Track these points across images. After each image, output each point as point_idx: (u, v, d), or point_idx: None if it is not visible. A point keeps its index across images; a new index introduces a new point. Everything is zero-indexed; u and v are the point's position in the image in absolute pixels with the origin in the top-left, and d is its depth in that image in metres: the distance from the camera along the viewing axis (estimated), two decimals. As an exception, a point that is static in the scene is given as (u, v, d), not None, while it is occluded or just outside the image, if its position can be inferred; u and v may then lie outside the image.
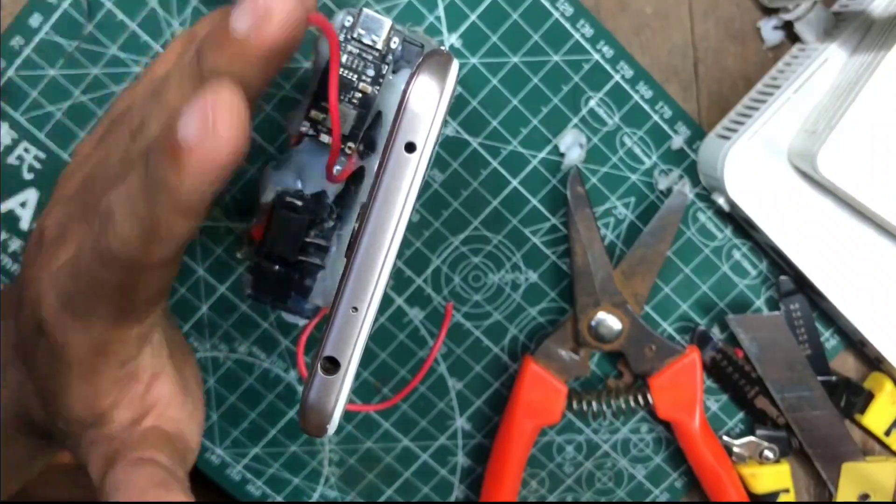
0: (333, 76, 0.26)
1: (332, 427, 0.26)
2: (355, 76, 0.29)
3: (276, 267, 0.30)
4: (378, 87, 0.29)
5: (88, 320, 0.26)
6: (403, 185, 0.24)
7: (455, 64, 0.24)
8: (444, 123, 0.32)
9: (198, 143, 0.21)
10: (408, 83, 0.24)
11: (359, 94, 0.29)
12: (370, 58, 0.29)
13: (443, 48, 0.25)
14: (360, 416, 0.43)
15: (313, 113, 0.30)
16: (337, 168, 0.29)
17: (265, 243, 0.29)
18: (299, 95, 0.39)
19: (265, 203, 0.30)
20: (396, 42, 0.29)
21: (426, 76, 0.24)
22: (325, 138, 0.30)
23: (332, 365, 0.25)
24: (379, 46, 0.29)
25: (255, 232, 0.30)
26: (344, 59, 0.29)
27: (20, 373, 0.30)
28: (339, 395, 0.26)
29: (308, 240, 0.29)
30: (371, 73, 0.29)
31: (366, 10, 0.29)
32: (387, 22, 0.29)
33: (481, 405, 0.43)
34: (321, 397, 0.25)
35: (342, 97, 0.29)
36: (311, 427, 0.26)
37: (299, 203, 0.29)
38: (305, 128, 0.30)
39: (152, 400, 0.30)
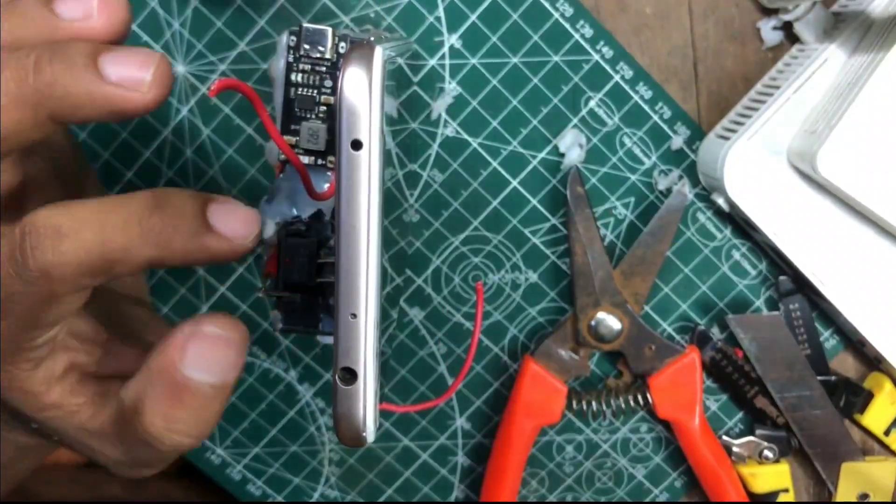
0: (267, 122, 0.27)
1: (368, 434, 0.26)
2: (315, 91, 0.29)
3: (299, 297, 0.30)
4: None
5: None
6: (361, 184, 0.24)
7: (379, 51, 0.24)
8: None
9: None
10: (339, 83, 0.24)
11: (323, 108, 0.29)
12: (324, 69, 0.29)
13: (368, 40, 0.25)
14: (360, 416, 0.43)
15: (286, 138, 0.30)
16: (325, 185, 0.29)
17: (281, 276, 0.29)
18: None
19: (269, 239, 0.30)
20: (345, 46, 0.29)
21: (351, 70, 0.24)
22: (305, 160, 0.30)
23: (350, 375, 0.26)
24: (328, 56, 0.29)
25: (269, 267, 0.30)
26: (299, 77, 0.29)
27: None
28: (366, 402, 0.26)
29: (320, 261, 0.29)
30: (329, 83, 0.29)
31: (305, 25, 0.29)
32: (328, 31, 0.29)
33: (481, 405, 0.43)
34: (348, 408, 0.26)
35: (308, 115, 0.29)
36: (347, 439, 0.26)
37: (303, 228, 0.29)
38: (283, 156, 0.30)
39: (77, 345, 0.28)
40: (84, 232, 0.23)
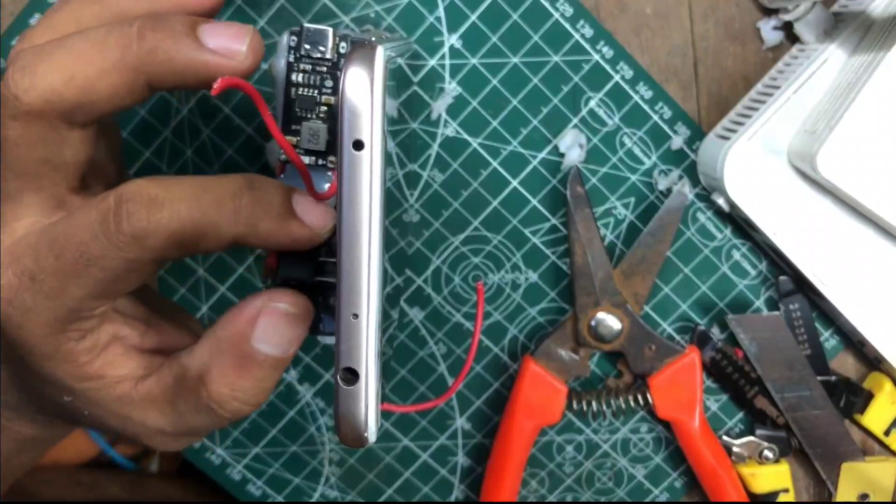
0: (269, 121, 0.27)
1: (370, 435, 0.26)
2: (315, 91, 0.29)
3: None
4: None
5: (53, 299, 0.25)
6: (363, 184, 0.24)
7: (380, 51, 0.24)
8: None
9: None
10: (340, 83, 0.24)
11: (324, 108, 0.29)
12: (324, 69, 0.29)
13: (370, 40, 0.25)
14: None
15: (287, 138, 0.30)
16: (325, 186, 0.29)
17: (281, 271, 0.29)
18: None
19: None
20: (345, 47, 0.30)
21: (353, 70, 0.24)
22: (306, 160, 0.30)
23: (352, 375, 0.26)
24: (328, 56, 0.29)
25: (270, 262, 0.30)
26: (299, 77, 0.29)
27: None
28: (367, 402, 0.26)
29: (322, 259, 0.29)
30: (330, 83, 0.29)
31: (306, 25, 0.29)
32: (328, 31, 0.29)
33: (481, 405, 0.43)
34: (350, 409, 0.26)
35: (308, 115, 0.29)
36: (348, 439, 0.26)
37: None
38: (284, 155, 0.30)
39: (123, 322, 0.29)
40: (180, 204, 0.25)
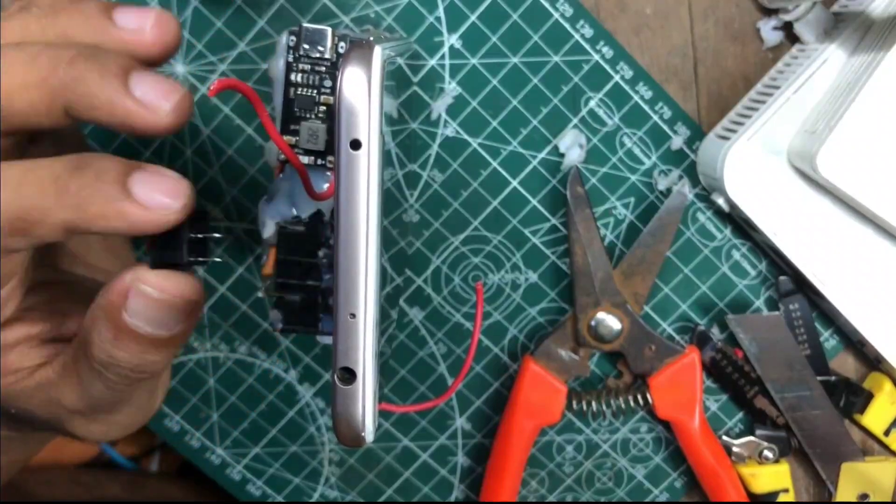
0: (266, 122, 0.27)
1: (368, 435, 0.26)
2: (314, 91, 0.29)
3: (299, 297, 0.30)
4: None
5: None
6: (360, 184, 0.24)
7: (378, 51, 0.24)
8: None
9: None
10: (338, 83, 0.24)
11: (323, 108, 0.29)
12: (323, 69, 0.29)
13: (368, 40, 0.25)
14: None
15: (285, 138, 0.30)
16: (325, 185, 0.29)
17: (279, 276, 0.29)
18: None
19: (268, 239, 0.30)
20: (344, 46, 0.29)
21: (350, 69, 0.24)
22: (305, 160, 0.30)
23: (349, 375, 0.26)
24: (327, 56, 0.29)
25: (266, 268, 0.30)
26: (298, 77, 0.29)
27: None
28: (365, 402, 0.26)
29: (317, 260, 0.29)
30: (329, 83, 0.29)
31: (305, 25, 0.29)
32: (328, 31, 0.29)
33: (481, 405, 0.43)
34: (347, 408, 0.26)
35: (307, 115, 0.29)
36: (346, 439, 0.26)
37: (300, 228, 0.29)
38: (283, 156, 0.30)
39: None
40: (4, 189, 0.24)
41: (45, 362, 0.28)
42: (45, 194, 0.24)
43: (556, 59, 0.39)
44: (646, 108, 0.40)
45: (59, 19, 0.26)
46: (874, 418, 0.42)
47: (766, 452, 0.43)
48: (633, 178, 0.41)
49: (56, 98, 0.24)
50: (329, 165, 0.30)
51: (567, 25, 0.39)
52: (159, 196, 0.25)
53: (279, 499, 0.44)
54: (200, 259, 0.27)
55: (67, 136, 0.32)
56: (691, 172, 0.41)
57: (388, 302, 0.33)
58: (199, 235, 0.27)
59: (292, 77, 0.29)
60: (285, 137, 0.30)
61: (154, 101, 0.24)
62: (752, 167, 0.37)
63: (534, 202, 0.41)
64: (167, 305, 0.26)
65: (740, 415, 0.44)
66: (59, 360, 0.28)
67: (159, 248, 0.26)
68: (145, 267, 0.26)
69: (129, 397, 0.29)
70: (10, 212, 0.24)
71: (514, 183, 0.40)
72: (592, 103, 0.40)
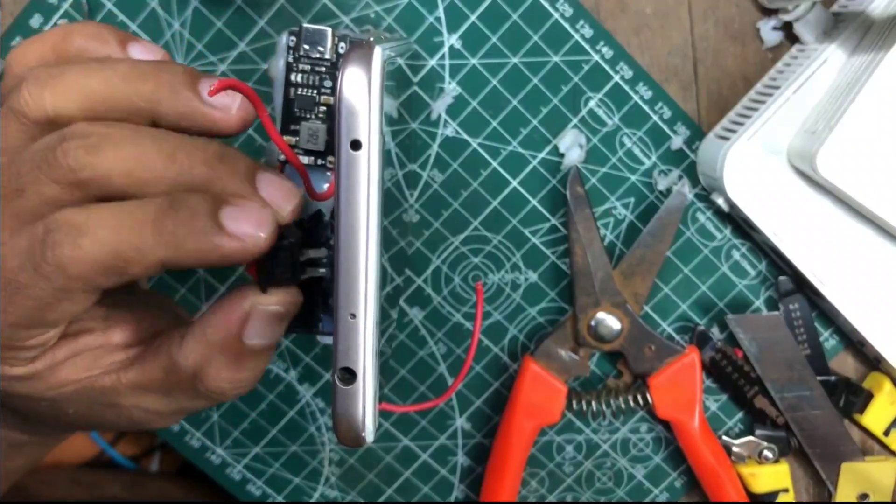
0: (266, 122, 0.27)
1: (368, 435, 0.26)
2: (314, 91, 0.29)
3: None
4: None
5: None
6: (360, 184, 0.24)
7: (378, 51, 0.24)
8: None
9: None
10: (338, 83, 0.24)
11: (323, 108, 0.29)
12: (323, 69, 0.29)
13: (368, 40, 0.25)
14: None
15: (285, 138, 0.30)
16: (325, 186, 0.29)
17: (261, 274, 0.29)
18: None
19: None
20: (344, 47, 0.29)
21: (350, 70, 0.24)
22: (305, 160, 0.30)
23: (350, 375, 0.26)
24: (328, 56, 0.29)
25: (249, 270, 0.30)
26: (298, 78, 0.29)
27: None
28: (365, 402, 0.26)
29: (304, 258, 0.29)
30: (329, 83, 0.29)
31: (305, 25, 0.29)
32: (328, 31, 0.29)
33: (481, 405, 0.43)
34: (348, 409, 0.26)
35: (307, 115, 0.29)
36: (347, 439, 0.26)
37: (290, 228, 0.29)
38: (283, 156, 0.30)
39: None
40: (101, 230, 0.24)
41: (109, 370, 0.28)
42: (143, 235, 0.25)
43: (556, 59, 0.39)
44: (646, 108, 0.40)
45: (146, 84, 0.26)
46: (874, 418, 0.42)
47: (766, 452, 0.43)
48: (633, 178, 0.41)
49: (146, 111, 0.26)
50: (329, 165, 0.30)
51: (567, 25, 0.39)
52: (248, 227, 0.26)
53: (279, 499, 0.44)
54: (304, 276, 0.29)
55: None
56: (691, 172, 0.41)
57: (388, 302, 0.33)
58: (301, 258, 0.28)
59: (292, 77, 0.29)
60: (285, 137, 0.30)
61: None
62: (752, 167, 0.37)
63: (534, 202, 0.41)
64: (284, 315, 0.28)
65: (740, 415, 0.44)
66: (130, 373, 0.28)
67: (267, 274, 0.27)
68: (256, 290, 0.27)
69: None
70: (106, 253, 0.24)
71: (514, 183, 0.40)
72: (592, 103, 0.40)
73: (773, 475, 0.43)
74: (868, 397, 0.42)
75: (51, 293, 0.25)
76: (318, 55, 0.29)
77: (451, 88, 0.39)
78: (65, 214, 0.25)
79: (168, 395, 0.28)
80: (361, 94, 0.24)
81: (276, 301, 0.27)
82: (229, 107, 0.27)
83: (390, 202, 0.35)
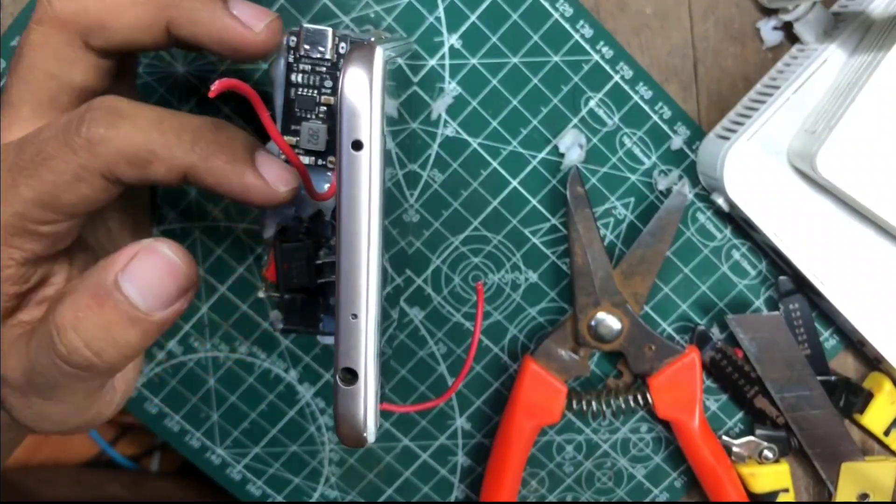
0: (267, 122, 0.27)
1: (369, 435, 0.26)
2: (315, 91, 0.29)
3: (299, 297, 0.30)
4: None
5: None
6: (361, 184, 0.24)
7: (379, 52, 0.24)
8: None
9: None
10: (339, 84, 0.24)
11: (324, 108, 0.30)
12: (324, 69, 0.29)
13: (369, 40, 0.25)
14: (361, 416, 0.43)
15: (286, 139, 0.30)
16: (325, 186, 0.29)
17: (280, 279, 0.29)
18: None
19: (268, 239, 0.30)
20: (345, 47, 0.30)
21: (352, 70, 0.24)
22: (305, 160, 0.30)
23: (351, 375, 0.26)
24: (328, 56, 0.29)
25: (268, 274, 0.30)
26: (299, 78, 0.29)
27: None
28: (366, 402, 0.26)
29: (319, 261, 0.29)
30: (329, 83, 0.29)
31: (305, 25, 0.29)
32: (328, 31, 0.29)
33: (481, 405, 0.43)
34: (349, 409, 0.26)
35: (308, 116, 0.30)
36: (348, 439, 0.26)
37: (301, 231, 0.29)
38: (283, 156, 0.30)
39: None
40: (141, 120, 0.26)
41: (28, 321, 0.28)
42: (180, 136, 0.26)
43: (556, 59, 0.39)
44: (646, 108, 0.40)
45: None
46: (874, 418, 0.43)
47: (766, 452, 0.43)
48: (633, 178, 0.41)
49: (161, 14, 0.27)
50: (330, 166, 0.30)
51: (567, 25, 0.39)
52: (277, 174, 0.27)
53: (279, 499, 0.44)
54: (327, 281, 0.29)
55: (134, 195, 0.34)
56: (691, 172, 0.41)
57: (388, 302, 0.33)
58: (326, 261, 0.29)
59: (293, 77, 0.29)
60: (286, 138, 0.30)
61: (251, 21, 0.27)
62: (752, 167, 0.37)
63: (534, 202, 0.41)
64: (174, 276, 0.25)
65: (740, 415, 0.44)
66: (16, 318, 0.28)
67: (287, 276, 0.28)
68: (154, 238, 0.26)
69: (64, 391, 0.27)
70: (139, 142, 0.25)
71: (514, 183, 0.41)
72: (592, 103, 0.40)
73: (773, 475, 0.43)
74: (868, 397, 0.42)
75: (72, 170, 0.25)
76: (318, 55, 0.29)
77: (451, 88, 0.39)
78: (110, 99, 0.26)
79: (28, 347, 0.26)
80: (363, 94, 0.24)
81: (174, 247, 0.25)
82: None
83: (390, 202, 0.35)
